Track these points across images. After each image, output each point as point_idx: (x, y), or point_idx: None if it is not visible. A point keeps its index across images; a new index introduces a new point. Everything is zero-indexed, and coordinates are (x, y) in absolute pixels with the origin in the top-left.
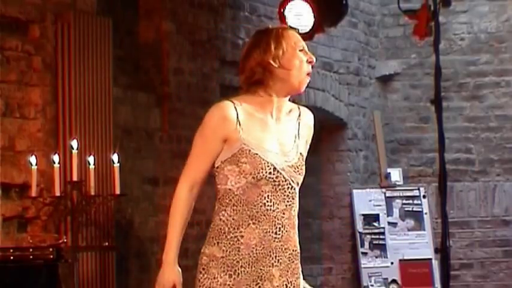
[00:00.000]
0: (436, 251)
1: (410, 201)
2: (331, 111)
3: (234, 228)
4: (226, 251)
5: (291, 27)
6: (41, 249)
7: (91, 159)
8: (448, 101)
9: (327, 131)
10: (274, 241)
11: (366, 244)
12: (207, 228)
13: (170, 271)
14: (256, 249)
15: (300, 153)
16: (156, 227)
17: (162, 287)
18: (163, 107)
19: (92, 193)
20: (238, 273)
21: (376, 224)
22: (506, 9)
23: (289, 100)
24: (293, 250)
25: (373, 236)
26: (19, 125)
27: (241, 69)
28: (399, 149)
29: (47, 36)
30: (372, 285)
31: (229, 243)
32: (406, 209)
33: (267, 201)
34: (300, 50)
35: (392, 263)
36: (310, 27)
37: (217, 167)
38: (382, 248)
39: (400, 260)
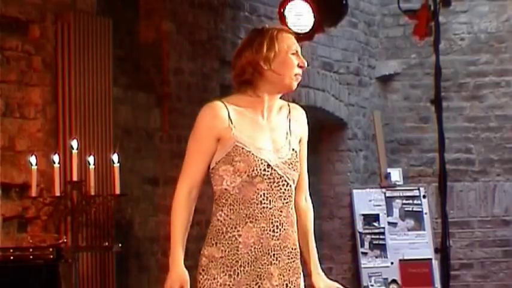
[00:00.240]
0: (436, 251)
1: (410, 201)
2: (331, 111)
3: (232, 228)
4: (225, 251)
5: (287, 30)
6: (41, 249)
7: (91, 159)
8: (448, 101)
9: (327, 131)
10: (272, 239)
11: (366, 244)
12: (207, 228)
13: (176, 272)
14: (254, 248)
15: (293, 149)
16: (156, 227)
17: (168, 286)
18: (163, 107)
19: (92, 193)
20: (238, 273)
21: (376, 224)
22: (506, 9)
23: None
24: (292, 248)
25: (373, 236)
26: (19, 125)
27: (232, 66)
28: (399, 149)
29: (47, 36)
30: (371, 285)
31: (228, 243)
32: (406, 209)
33: (263, 199)
34: (293, 54)
35: (392, 263)
36: (310, 27)
37: (212, 168)
38: (382, 248)
39: (400, 260)
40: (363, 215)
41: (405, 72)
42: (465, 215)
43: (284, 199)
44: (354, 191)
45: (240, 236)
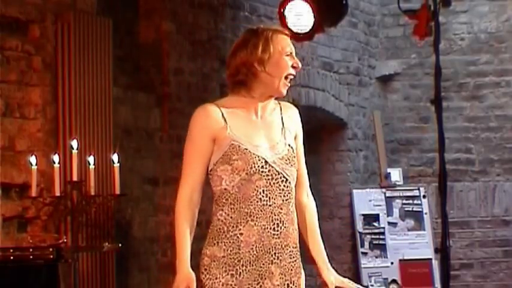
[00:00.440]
0: (436, 251)
1: (410, 201)
2: (331, 111)
3: (233, 227)
4: (227, 250)
5: (282, 31)
6: (41, 249)
7: (91, 159)
8: (448, 101)
9: (327, 131)
10: (273, 238)
11: (366, 244)
12: (207, 229)
13: (183, 273)
14: (256, 247)
15: (289, 145)
16: (156, 227)
17: (175, 287)
18: (163, 107)
19: (92, 193)
20: (240, 273)
21: (376, 224)
22: (506, 9)
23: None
24: (293, 247)
25: (373, 236)
26: (19, 125)
27: (227, 65)
28: (399, 149)
29: (47, 36)
30: (372, 285)
31: (229, 242)
32: (406, 209)
33: (263, 196)
34: (287, 55)
35: (392, 263)
36: (310, 27)
37: (211, 170)
38: (382, 248)
39: (400, 260)
40: (363, 215)
41: (405, 72)
42: (465, 215)
43: (284, 196)
44: (354, 191)
45: (241, 234)
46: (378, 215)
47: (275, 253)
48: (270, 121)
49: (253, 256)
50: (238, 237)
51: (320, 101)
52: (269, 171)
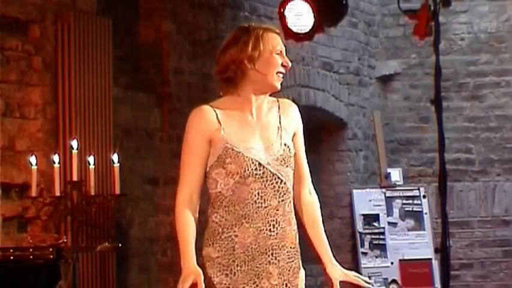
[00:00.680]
0: (436, 251)
1: (410, 201)
2: (331, 111)
3: (228, 228)
4: (221, 251)
5: (273, 29)
6: (41, 249)
7: (91, 159)
8: (448, 101)
9: (327, 131)
10: (269, 239)
11: (366, 244)
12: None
13: (189, 268)
14: (251, 248)
15: (285, 145)
16: (156, 227)
17: (181, 282)
18: (163, 107)
19: (92, 193)
20: (235, 273)
21: (376, 224)
22: (506, 9)
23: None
24: (291, 247)
25: (373, 236)
26: (19, 125)
27: (216, 62)
28: (399, 149)
29: (47, 36)
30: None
31: (224, 243)
32: (406, 209)
33: (258, 199)
34: (277, 53)
35: (392, 263)
36: (310, 27)
37: (207, 173)
38: (382, 248)
39: (400, 260)
40: (363, 215)
41: (405, 72)
42: (465, 215)
43: (279, 197)
44: (354, 191)
45: (236, 236)
46: (378, 215)
47: (272, 253)
48: (266, 121)
49: (248, 257)
50: (232, 238)
51: (320, 101)
52: (263, 173)
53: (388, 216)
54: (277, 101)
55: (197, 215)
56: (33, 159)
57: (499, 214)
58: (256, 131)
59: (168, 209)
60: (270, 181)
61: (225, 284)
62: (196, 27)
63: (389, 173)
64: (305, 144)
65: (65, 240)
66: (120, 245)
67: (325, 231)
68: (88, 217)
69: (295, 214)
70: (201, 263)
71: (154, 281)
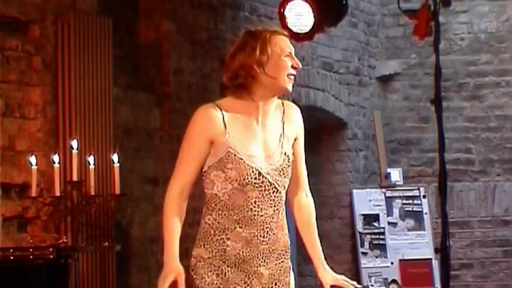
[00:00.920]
0: (436, 251)
1: (410, 201)
2: (331, 111)
3: (220, 232)
4: (212, 252)
5: (281, 32)
6: (41, 249)
7: (91, 159)
8: (448, 101)
9: (327, 131)
10: (261, 244)
11: (366, 244)
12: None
13: (170, 266)
14: (242, 251)
15: (285, 154)
16: (156, 227)
17: (162, 279)
18: (163, 107)
19: (92, 193)
20: (225, 273)
21: (376, 224)
22: (506, 9)
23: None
24: (281, 250)
25: (373, 236)
26: (19, 125)
27: (225, 68)
28: (399, 149)
29: (47, 36)
30: (372, 285)
31: (215, 245)
32: (406, 209)
33: (254, 207)
34: (286, 56)
35: (392, 263)
36: (310, 27)
37: (204, 172)
38: (382, 248)
39: (400, 260)
40: (363, 215)
41: (405, 72)
42: (465, 215)
43: (275, 206)
44: (354, 191)
45: (228, 239)
46: (378, 215)
47: (263, 257)
48: (270, 128)
49: (239, 259)
50: (224, 241)
51: (320, 101)
52: (262, 182)
53: (388, 216)
54: (282, 104)
55: (185, 211)
56: (33, 159)
57: (499, 214)
58: (260, 138)
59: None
60: (268, 190)
61: (216, 284)
62: (196, 27)
63: (389, 173)
64: (305, 144)
65: (65, 240)
66: (120, 245)
67: (325, 231)
68: (88, 217)
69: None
70: (192, 263)
71: (154, 281)
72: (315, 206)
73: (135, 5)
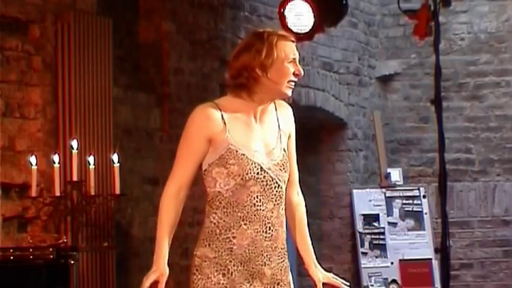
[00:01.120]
0: (436, 251)
1: (410, 201)
2: (331, 111)
3: (226, 230)
4: (219, 251)
5: (288, 36)
6: (41, 249)
7: (91, 159)
8: (448, 101)
9: (327, 131)
10: (265, 240)
11: (366, 244)
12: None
13: (157, 266)
14: (248, 249)
15: (284, 150)
16: (156, 227)
17: (145, 277)
18: (163, 107)
19: (92, 193)
20: (232, 272)
21: (376, 224)
22: (506, 9)
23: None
24: (281, 248)
25: (373, 236)
26: (19, 125)
27: (229, 67)
28: (399, 149)
29: (47, 36)
30: (371, 285)
31: (221, 245)
32: (406, 209)
33: (257, 202)
34: (290, 62)
35: (392, 263)
36: (310, 27)
37: (205, 170)
38: (382, 248)
39: (400, 260)
40: (363, 215)
41: (405, 72)
42: (465, 215)
43: (275, 200)
44: (354, 191)
45: (234, 237)
46: (378, 215)
47: (266, 255)
48: (267, 124)
49: (245, 258)
50: (230, 240)
51: (320, 101)
52: (264, 177)
53: (388, 216)
54: (274, 102)
55: (180, 212)
56: (33, 159)
57: (499, 214)
58: (259, 134)
59: None
60: (269, 185)
61: (223, 283)
62: (196, 27)
63: (389, 173)
64: (305, 144)
65: (65, 240)
66: (120, 245)
67: (325, 231)
68: (88, 217)
69: None
70: (196, 263)
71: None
72: (315, 206)
73: (135, 5)
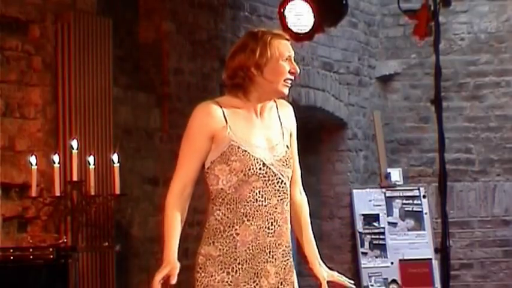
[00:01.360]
0: (436, 251)
1: (410, 201)
2: (331, 111)
3: (229, 227)
4: (223, 249)
5: (282, 35)
6: (41, 249)
7: (91, 159)
8: (448, 101)
9: (327, 131)
10: (268, 236)
11: (366, 244)
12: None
13: (168, 261)
14: (252, 246)
15: (287, 146)
16: (156, 227)
17: (157, 272)
18: (163, 107)
19: (92, 193)
20: (236, 271)
21: (376, 224)
22: (506, 9)
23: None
24: (286, 246)
25: (373, 236)
26: (19, 125)
27: (225, 67)
28: (399, 149)
29: (47, 36)
30: (372, 285)
31: (226, 242)
32: (406, 209)
33: (259, 197)
34: (285, 60)
35: (392, 263)
36: (310, 27)
37: (208, 168)
38: (382, 248)
39: (400, 260)
40: (363, 215)
41: (405, 72)
42: (465, 215)
43: (279, 196)
44: (354, 191)
45: (237, 234)
46: (378, 215)
47: (270, 252)
48: (269, 120)
49: (249, 255)
50: (234, 237)
51: (320, 101)
52: (266, 172)
53: (388, 216)
54: (275, 101)
55: (186, 209)
56: (33, 159)
57: (499, 214)
58: (261, 130)
59: None
60: (272, 180)
61: (227, 281)
62: (196, 27)
63: (389, 173)
64: (305, 144)
65: (65, 240)
66: (120, 245)
67: (325, 231)
68: (88, 217)
69: None
70: (200, 261)
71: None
72: (315, 206)
73: (135, 5)
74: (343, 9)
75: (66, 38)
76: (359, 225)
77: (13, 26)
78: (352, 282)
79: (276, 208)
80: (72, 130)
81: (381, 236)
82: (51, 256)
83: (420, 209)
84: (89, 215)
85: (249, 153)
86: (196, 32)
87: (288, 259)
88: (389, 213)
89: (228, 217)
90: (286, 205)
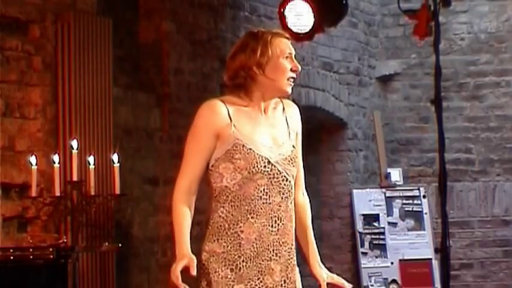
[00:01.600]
0: (436, 251)
1: (410, 201)
2: (331, 111)
3: (234, 224)
4: (227, 246)
5: (282, 34)
6: (41, 249)
7: (91, 159)
8: (448, 101)
9: (327, 131)
10: (271, 234)
11: (366, 244)
12: (207, 228)
13: (182, 254)
14: (256, 244)
15: (293, 146)
16: (156, 227)
17: (174, 265)
18: (163, 107)
19: (92, 193)
20: (240, 268)
21: (376, 224)
22: (506, 9)
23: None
24: (291, 245)
25: (373, 236)
26: (19, 125)
27: (226, 68)
28: (399, 149)
29: (47, 36)
30: (371, 285)
31: (230, 240)
32: (406, 209)
33: (263, 195)
34: (286, 58)
35: (392, 263)
36: (310, 27)
37: (212, 166)
38: (382, 248)
39: (400, 260)
40: (363, 215)
41: (405, 72)
42: (465, 215)
43: (283, 194)
44: (354, 191)
45: (242, 232)
46: (378, 215)
47: (273, 250)
48: (275, 119)
49: (253, 253)
50: (238, 234)
51: (320, 101)
52: (271, 170)
53: (388, 216)
54: (282, 101)
55: (194, 206)
56: (33, 159)
57: (499, 214)
58: (266, 128)
59: (168, 209)
60: (276, 178)
61: (230, 278)
62: (196, 27)
63: (389, 173)
64: (305, 144)
65: (65, 240)
66: (120, 245)
67: (325, 231)
68: (88, 217)
69: None
70: (204, 258)
71: (154, 281)
72: (315, 206)
73: (135, 5)
74: (343, 9)
75: (66, 38)
76: (359, 225)
77: (13, 26)
78: (351, 286)
79: (280, 206)
80: (72, 130)
81: (381, 236)
82: (51, 256)
83: (420, 209)
84: (89, 215)
85: (253, 151)
86: (196, 32)
87: (292, 258)
88: (389, 213)
89: (232, 214)
90: (291, 203)
